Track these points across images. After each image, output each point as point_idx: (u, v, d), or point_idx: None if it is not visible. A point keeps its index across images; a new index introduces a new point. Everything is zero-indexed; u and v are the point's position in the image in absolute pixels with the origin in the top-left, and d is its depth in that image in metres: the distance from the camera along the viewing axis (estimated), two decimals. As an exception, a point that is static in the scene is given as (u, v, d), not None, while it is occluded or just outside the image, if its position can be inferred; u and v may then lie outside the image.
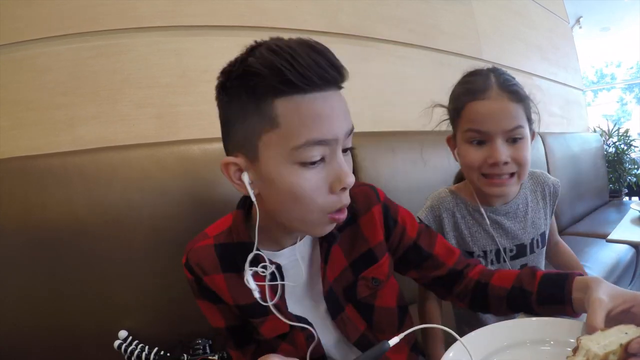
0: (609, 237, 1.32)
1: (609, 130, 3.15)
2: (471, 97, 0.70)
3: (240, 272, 0.52)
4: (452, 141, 0.80)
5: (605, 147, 3.06)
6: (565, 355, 0.43)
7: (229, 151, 0.50)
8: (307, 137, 0.44)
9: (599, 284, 0.48)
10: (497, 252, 0.80)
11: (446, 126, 0.82)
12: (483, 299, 0.63)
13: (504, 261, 0.80)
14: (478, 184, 0.74)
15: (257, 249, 0.51)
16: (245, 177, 0.48)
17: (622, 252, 1.73)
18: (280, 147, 0.45)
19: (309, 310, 0.59)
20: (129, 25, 1.06)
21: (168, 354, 0.91)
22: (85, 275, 0.90)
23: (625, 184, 3.05)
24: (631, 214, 1.54)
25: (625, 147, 3.04)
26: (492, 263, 0.81)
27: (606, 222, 2.16)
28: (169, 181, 0.97)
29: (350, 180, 0.47)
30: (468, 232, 0.80)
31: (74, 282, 0.89)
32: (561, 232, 2.14)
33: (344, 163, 0.47)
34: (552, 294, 0.54)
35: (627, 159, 3.04)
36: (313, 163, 0.46)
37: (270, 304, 0.52)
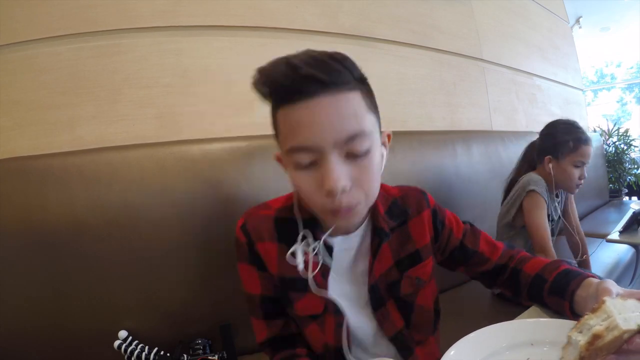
0: (609, 237, 1.33)
1: (609, 130, 3.16)
2: (583, 143, 1.28)
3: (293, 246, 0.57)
4: (552, 160, 1.31)
5: (605, 147, 3.06)
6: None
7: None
8: (290, 144, 0.48)
9: (605, 292, 0.45)
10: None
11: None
12: (516, 286, 0.65)
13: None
14: (571, 183, 1.31)
15: (305, 229, 0.57)
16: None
17: (622, 252, 1.73)
18: (283, 151, 0.51)
19: (349, 299, 0.61)
20: (129, 25, 1.06)
21: (168, 354, 0.91)
22: (85, 275, 0.90)
23: (625, 183, 3.05)
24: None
25: (625, 147, 3.04)
26: None
27: (606, 222, 2.17)
28: (169, 181, 0.97)
29: (330, 187, 0.46)
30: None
31: (74, 282, 0.89)
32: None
33: (331, 169, 0.46)
34: (560, 285, 0.56)
35: (627, 159, 3.04)
36: (304, 166, 0.48)
37: (310, 275, 0.56)
